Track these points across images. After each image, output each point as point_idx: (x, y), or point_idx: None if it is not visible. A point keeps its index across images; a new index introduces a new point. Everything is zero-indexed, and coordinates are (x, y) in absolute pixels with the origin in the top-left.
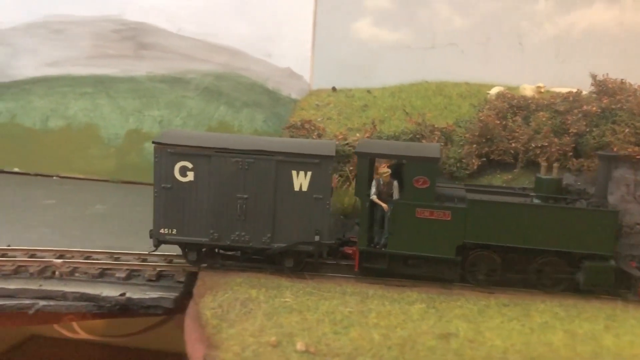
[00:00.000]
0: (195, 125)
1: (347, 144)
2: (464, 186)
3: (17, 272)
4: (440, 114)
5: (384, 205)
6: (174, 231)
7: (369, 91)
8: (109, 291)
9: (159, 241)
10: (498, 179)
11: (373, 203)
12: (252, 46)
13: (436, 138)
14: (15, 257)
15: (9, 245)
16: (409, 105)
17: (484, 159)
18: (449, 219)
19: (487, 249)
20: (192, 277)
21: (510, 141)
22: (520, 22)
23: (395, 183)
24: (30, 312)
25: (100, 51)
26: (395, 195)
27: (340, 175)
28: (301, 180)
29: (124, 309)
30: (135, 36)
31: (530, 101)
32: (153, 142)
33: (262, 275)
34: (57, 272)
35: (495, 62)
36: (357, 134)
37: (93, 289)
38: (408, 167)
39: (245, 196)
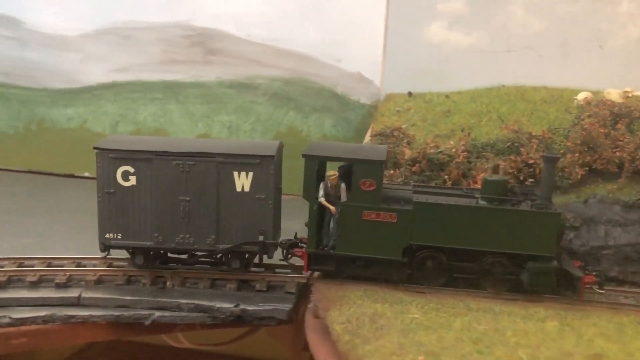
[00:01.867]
0: (263, 130)
1: (440, 152)
2: (412, 187)
3: (129, 282)
4: (528, 120)
5: (331, 207)
6: (119, 235)
7: (447, 96)
8: (222, 302)
9: (105, 246)
10: (601, 189)
11: (322, 205)
12: (322, 51)
13: (534, 146)
14: (123, 267)
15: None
16: (494, 111)
17: (586, 168)
18: (394, 221)
19: (434, 250)
20: (302, 288)
21: (615, 150)
22: (601, 24)
23: (343, 185)
24: (147, 322)
25: (169, 57)
26: (343, 197)
27: (436, 183)
28: (243, 181)
29: (238, 320)
30: (204, 42)
31: (633, 108)
32: (94, 148)
33: (378, 287)
34: (168, 283)
35: (575, 65)
36: (451, 142)
37: (207, 300)
38: (355, 170)
39: (188, 198)
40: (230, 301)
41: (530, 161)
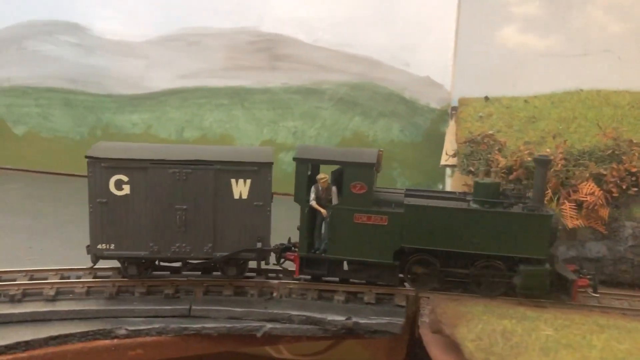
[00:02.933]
0: (329, 136)
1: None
2: (405, 190)
3: (237, 293)
4: (619, 126)
5: (322, 210)
6: (112, 246)
7: (526, 101)
8: (333, 315)
9: (96, 257)
10: None
11: (313, 209)
12: (390, 55)
13: (637, 154)
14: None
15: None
16: (580, 117)
17: None
18: (385, 223)
19: (426, 253)
20: (412, 302)
21: None
22: None
23: (334, 189)
24: (259, 334)
25: (235, 63)
26: (334, 200)
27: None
28: (240, 188)
29: (350, 333)
30: (270, 47)
31: None
32: (86, 157)
33: (497, 302)
34: (275, 294)
35: None
36: (547, 149)
37: (317, 313)
38: (346, 173)
39: (185, 207)
40: (341, 313)
41: (634, 169)
